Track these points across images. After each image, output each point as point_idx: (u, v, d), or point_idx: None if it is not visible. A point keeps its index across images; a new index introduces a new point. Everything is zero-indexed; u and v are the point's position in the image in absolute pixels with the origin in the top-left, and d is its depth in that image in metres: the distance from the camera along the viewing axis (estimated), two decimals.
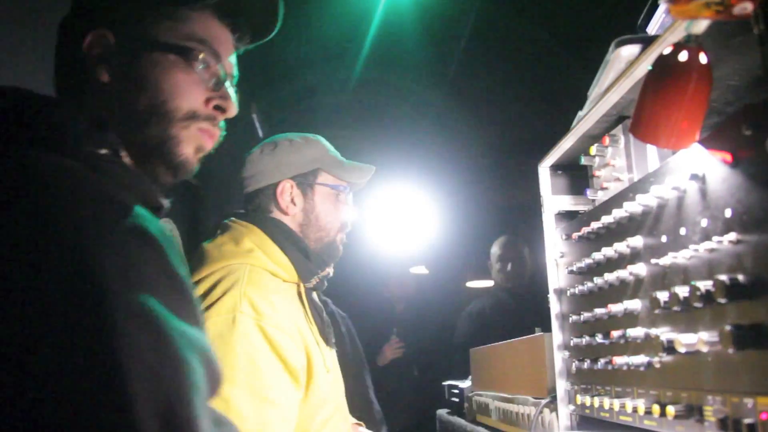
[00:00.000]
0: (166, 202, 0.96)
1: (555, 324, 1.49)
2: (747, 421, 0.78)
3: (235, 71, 1.08)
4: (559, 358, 1.47)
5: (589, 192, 1.39)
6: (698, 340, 0.86)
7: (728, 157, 0.83)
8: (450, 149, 4.85)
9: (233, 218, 1.70)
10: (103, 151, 0.86)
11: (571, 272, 1.39)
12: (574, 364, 1.38)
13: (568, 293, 1.41)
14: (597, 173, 1.37)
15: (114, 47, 0.97)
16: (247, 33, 1.12)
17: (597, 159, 1.36)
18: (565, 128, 1.45)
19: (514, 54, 3.68)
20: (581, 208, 1.56)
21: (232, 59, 1.07)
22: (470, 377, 2.97)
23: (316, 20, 3.19)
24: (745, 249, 0.80)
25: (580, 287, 1.32)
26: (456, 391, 3.19)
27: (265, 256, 1.60)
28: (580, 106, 1.39)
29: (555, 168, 1.60)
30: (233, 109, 1.03)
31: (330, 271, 1.78)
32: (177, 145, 0.97)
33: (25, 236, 0.65)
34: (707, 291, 0.85)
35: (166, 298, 0.68)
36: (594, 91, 1.32)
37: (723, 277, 0.81)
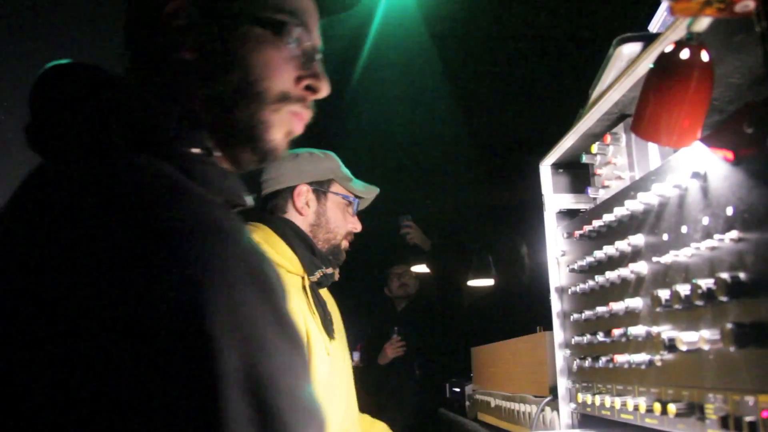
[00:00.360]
0: (250, 200, 0.89)
1: (556, 322, 1.49)
2: (748, 419, 0.78)
3: (321, 44, 0.96)
4: (561, 356, 1.47)
5: (590, 190, 1.39)
6: (699, 338, 0.86)
7: (730, 155, 0.83)
8: (450, 147, 4.84)
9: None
10: (197, 151, 0.79)
11: (572, 270, 1.39)
12: (575, 362, 1.38)
13: (570, 291, 1.41)
14: (598, 171, 1.37)
15: (198, 20, 0.85)
16: (333, 2, 1.04)
17: (598, 157, 1.36)
18: (566, 127, 1.45)
19: (516, 52, 3.68)
20: (582, 206, 1.56)
21: (318, 32, 0.96)
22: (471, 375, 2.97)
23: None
24: (747, 247, 0.80)
25: (582, 285, 1.32)
26: (457, 389, 3.20)
27: (271, 249, 1.75)
28: (582, 105, 1.39)
29: (556, 166, 1.60)
30: (326, 89, 0.92)
31: (336, 274, 1.95)
32: (267, 129, 0.88)
33: (124, 264, 0.58)
34: (708, 289, 0.85)
35: (275, 352, 0.60)
36: (595, 90, 1.32)
37: (724, 275, 0.81)
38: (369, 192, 2.04)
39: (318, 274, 1.84)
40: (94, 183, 0.65)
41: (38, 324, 0.57)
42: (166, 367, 0.54)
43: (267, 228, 1.80)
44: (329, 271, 1.91)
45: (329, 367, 1.72)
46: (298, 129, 0.92)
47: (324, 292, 1.97)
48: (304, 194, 1.91)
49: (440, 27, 3.35)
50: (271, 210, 1.90)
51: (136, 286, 0.56)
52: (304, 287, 1.79)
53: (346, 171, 2.03)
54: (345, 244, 1.98)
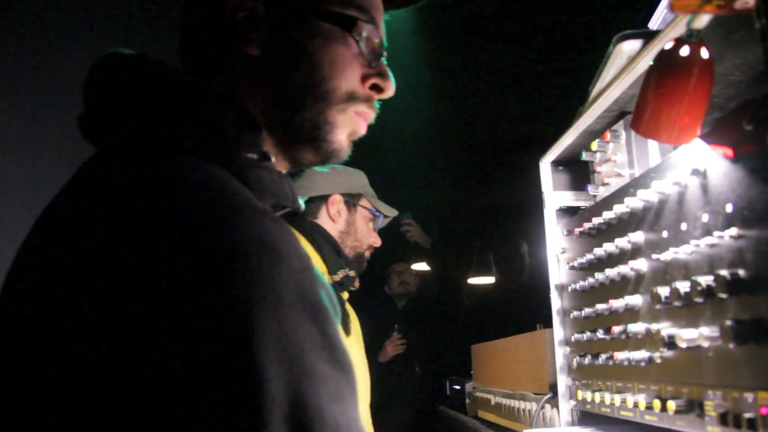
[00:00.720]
0: (302, 204, 0.87)
1: (556, 320, 1.49)
2: (747, 415, 0.78)
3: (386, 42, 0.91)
4: (560, 353, 1.47)
5: (590, 188, 1.39)
6: (699, 335, 0.86)
7: (729, 152, 0.83)
8: (450, 145, 4.84)
9: None
10: (253, 156, 0.77)
11: (572, 268, 1.39)
12: (575, 359, 1.38)
13: (569, 289, 1.41)
14: (598, 169, 1.37)
15: (264, 14, 0.82)
16: None
17: (598, 155, 1.36)
18: (566, 124, 1.45)
19: (517, 50, 3.67)
20: (582, 203, 1.56)
21: (384, 29, 0.91)
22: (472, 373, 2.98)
23: None
24: (746, 244, 0.80)
25: (582, 283, 1.32)
26: (457, 387, 3.20)
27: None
28: (582, 102, 1.39)
29: (556, 164, 1.60)
30: (392, 89, 0.89)
31: (356, 281, 2.08)
32: (332, 130, 0.85)
33: (168, 274, 0.56)
34: (708, 286, 0.85)
35: (323, 379, 0.58)
36: (595, 87, 1.32)
37: (724, 272, 0.81)
38: (391, 212, 2.23)
39: (340, 274, 1.96)
40: (141, 186, 0.63)
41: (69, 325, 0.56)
42: (211, 393, 0.53)
43: (292, 230, 1.84)
44: (352, 273, 2.03)
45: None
46: (362, 130, 0.90)
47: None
48: (337, 203, 2.10)
49: (440, 24, 3.34)
50: (302, 215, 1.97)
51: (179, 308, 0.54)
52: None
53: (372, 190, 2.24)
54: (367, 253, 2.17)
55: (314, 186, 2.09)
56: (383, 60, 0.89)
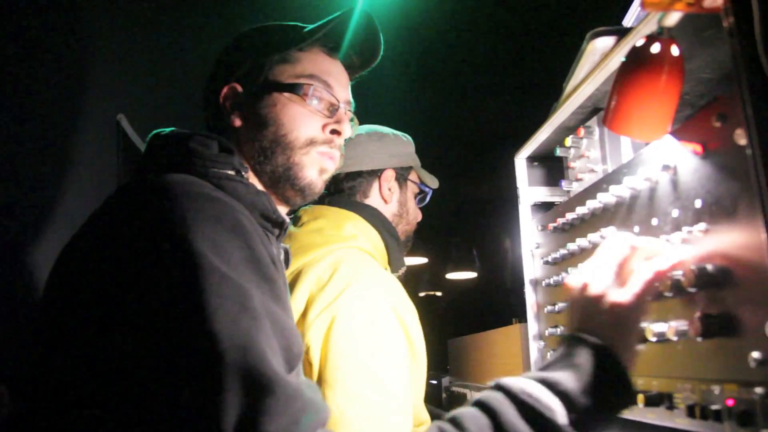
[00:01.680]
0: (287, 219, 1.10)
1: (530, 314, 1.50)
2: (714, 407, 0.80)
3: (350, 97, 1.23)
4: (535, 348, 1.48)
5: (564, 183, 1.40)
6: (668, 328, 0.87)
7: (699, 148, 0.85)
8: (427, 141, 4.84)
9: (317, 204, 1.62)
10: (229, 172, 0.99)
11: (546, 263, 1.40)
12: (549, 353, 1.39)
13: (544, 284, 1.42)
14: (572, 164, 1.38)
15: (242, 96, 1.14)
16: (356, 61, 1.29)
17: (572, 150, 1.38)
18: (541, 120, 1.46)
19: (490, 46, 3.69)
20: (557, 199, 1.57)
21: (346, 87, 1.23)
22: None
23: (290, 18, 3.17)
24: (715, 239, 0.81)
25: (555, 278, 1.33)
26: (434, 381, 3.21)
27: (368, 242, 1.56)
28: (556, 98, 1.40)
29: (531, 159, 1.61)
30: (347, 131, 1.17)
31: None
32: (300, 170, 1.12)
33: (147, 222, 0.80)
34: (677, 280, 0.86)
35: (251, 277, 0.80)
36: (569, 83, 1.33)
37: (692, 267, 0.83)
38: (435, 183, 1.87)
39: (402, 270, 1.69)
40: (132, 191, 0.88)
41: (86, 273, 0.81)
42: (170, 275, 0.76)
43: (359, 217, 1.59)
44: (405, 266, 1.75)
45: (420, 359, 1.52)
46: (329, 165, 1.16)
47: None
48: (389, 180, 1.70)
49: (415, 20, 3.34)
50: (349, 193, 1.67)
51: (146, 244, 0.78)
52: None
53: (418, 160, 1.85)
54: (413, 233, 1.82)
55: (365, 158, 1.70)
56: (341, 109, 1.18)
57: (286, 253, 1.22)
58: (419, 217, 1.81)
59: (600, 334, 0.84)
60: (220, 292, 0.74)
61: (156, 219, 0.80)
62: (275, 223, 1.06)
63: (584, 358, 0.83)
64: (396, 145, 1.75)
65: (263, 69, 1.15)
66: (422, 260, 6.45)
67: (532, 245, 1.51)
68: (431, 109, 4.39)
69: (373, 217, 1.61)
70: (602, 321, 0.86)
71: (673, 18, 0.85)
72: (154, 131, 1.07)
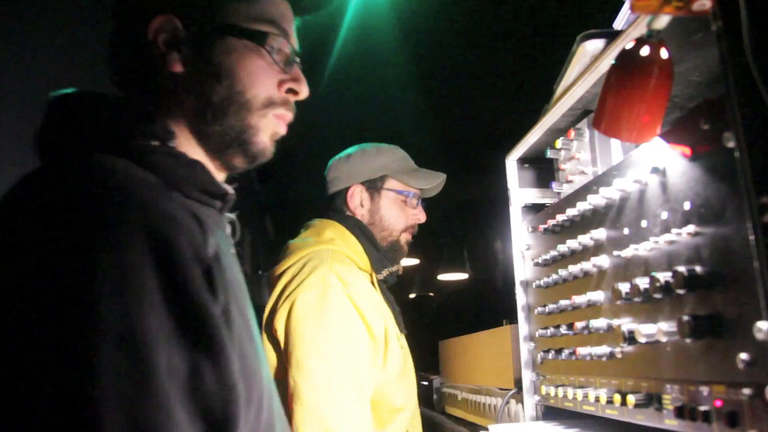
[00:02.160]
0: (230, 189, 0.95)
1: (521, 315, 1.51)
2: (702, 408, 0.80)
3: (298, 46, 1.02)
4: (525, 349, 1.48)
5: (554, 185, 1.40)
6: (657, 330, 0.88)
7: (687, 150, 0.85)
8: (420, 142, 4.85)
9: (315, 219, 1.92)
10: (154, 143, 0.85)
11: (536, 264, 1.40)
12: (539, 354, 1.39)
13: (534, 285, 1.43)
14: (562, 166, 1.38)
15: (183, 34, 0.91)
16: (306, 5, 1.10)
17: (562, 152, 1.38)
18: (532, 122, 1.47)
19: (482, 49, 3.69)
20: (547, 200, 1.58)
21: (295, 33, 1.02)
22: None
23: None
24: (703, 241, 0.82)
25: (546, 279, 1.34)
26: (425, 383, 3.21)
27: (345, 244, 1.81)
28: (547, 100, 1.40)
29: (522, 161, 1.62)
30: (306, 90, 1.00)
31: (399, 268, 1.98)
32: (256, 134, 0.95)
33: (41, 238, 0.65)
34: (666, 282, 0.86)
35: (164, 326, 0.65)
36: (560, 85, 1.33)
37: (681, 269, 0.83)
38: (431, 181, 1.99)
39: (385, 273, 1.89)
40: (37, 181, 0.73)
41: None
42: (54, 322, 0.61)
43: (337, 224, 1.86)
44: (394, 269, 1.95)
45: (402, 360, 1.75)
46: (282, 130, 0.99)
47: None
48: (357, 194, 1.91)
49: (408, 23, 3.35)
50: (333, 210, 1.93)
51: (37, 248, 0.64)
52: (372, 283, 1.82)
53: (405, 162, 1.99)
54: (405, 238, 1.97)
55: (335, 181, 1.95)
56: (297, 64, 0.99)
57: (233, 225, 1.07)
58: (408, 221, 1.94)
59: None
60: (115, 363, 0.59)
61: (41, 240, 0.65)
62: (216, 196, 0.91)
63: None
64: (363, 161, 1.95)
65: (213, 3, 0.94)
66: (414, 261, 6.46)
67: (522, 247, 1.52)
68: (423, 111, 4.40)
69: (353, 225, 1.85)
70: None
71: (662, 21, 0.86)
72: (52, 94, 0.88)
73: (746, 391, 0.74)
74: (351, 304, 1.61)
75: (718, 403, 0.78)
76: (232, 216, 1.06)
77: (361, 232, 1.87)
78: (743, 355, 0.73)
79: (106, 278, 0.62)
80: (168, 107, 0.92)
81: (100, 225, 0.65)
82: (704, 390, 0.81)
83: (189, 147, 0.93)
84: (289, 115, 0.99)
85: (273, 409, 0.88)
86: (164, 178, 0.80)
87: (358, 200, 1.92)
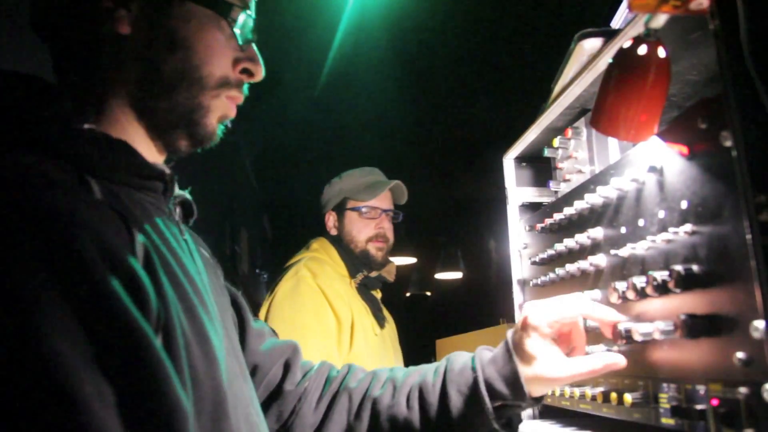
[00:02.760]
0: (166, 168, 0.85)
1: (518, 314, 1.50)
2: (699, 407, 0.80)
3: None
4: None
5: (552, 184, 1.40)
6: (654, 329, 0.88)
7: (685, 149, 0.85)
8: (415, 142, 4.85)
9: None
10: (63, 125, 0.73)
11: (534, 263, 1.40)
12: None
13: (531, 284, 1.43)
14: (560, 165, 1.38)
15: None
16: None
17: (560, 151, 1.38)
18: (529, 121, 1.47)
19: (478, 47, 3.69)
20: (545, 199, 1.58)
21: (253, 9, 0.91)
22: None
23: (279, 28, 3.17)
24: (700, 240, 0.82)
25: (543, 278, 1.33)
26: None
27: (326, 253, 2.37)
28: (544, 99, 1.40)
29: (519, 160, 1.62)
30: (261, 73, 0.90)
31: (389, 275, 2.47)
32: (206, 115, 0.85)
33: None
34: (663, 281, 0.86)
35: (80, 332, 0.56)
36: (557, 84, 1.33)
37: (678, 268, 0.83)
38: (378, 193, 2.41)
39: (359, 277, 2.35)
40: None
41: None
42: None
43: (323, 239, 2.44)
44: (373, 274, 2.39)
45: (377, 349, 2.26)
46: (232, 113, 0.90)
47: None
48: (330, 219, 2.47)
49: (405, 22, 3.35)
50: (324, 230, 2.50)
51: None
52: (351, 286, 2.34)
53: (362, 181, 2.46)
54: (373, 246, 2.39)
55: (321, 208, 2.52)
56: (253, 43, 0.89)
57: (185, 204, 0.97)
58: (371, 232, 2.39)
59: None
60: (38, 404, 0.52)
61: None
62: (149, 177, 0.81)
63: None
64: (330, 191, 2.50)
65: None
66: (411, 260, 6.46)
67: (519, 245, 1.52)
68: (420, 111, 4.40)
69: (333, 240, 2.43)
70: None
71: (660, 20, 0.86)
72: None
73: (743, 389, 0.74)
74: (319, 290, 2.13)
75: (715, 402, 0.78)
76: (184, 193, 0.96)
77: (339, 244, 2.40)
78: (740, 354, 0.73)
79: (10, 308, 0.53)
80: (105, 73, 0.81)
81: None
82: (701, 389, 0.81)
83: (124, 124, 0.83)
84: (240, 98, 0.90)
85: (237, 414, 0.80)
86: (79, 165, 0.71)
87: (331, 223, 2.46)
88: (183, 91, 0.82)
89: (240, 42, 0.87)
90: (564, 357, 1.00)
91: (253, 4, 0.91)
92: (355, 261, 2.37)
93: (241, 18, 0.86)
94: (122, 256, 0.63)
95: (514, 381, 1.00)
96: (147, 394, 0.59)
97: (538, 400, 1.05)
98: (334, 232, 2.45)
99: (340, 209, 2.45)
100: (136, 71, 0.81)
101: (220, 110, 0.87)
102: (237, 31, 0.85)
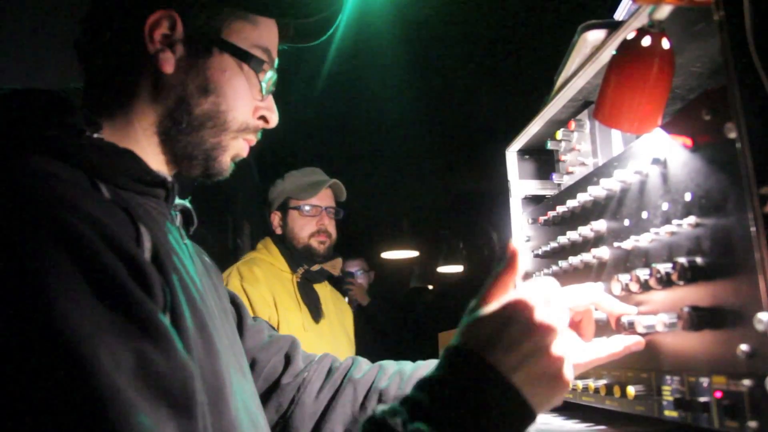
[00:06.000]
0: (168, 176, 0.92)
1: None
2: (702, 399, 0.80)
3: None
4: None
5: (554, 176, 1.40)
6: (658, 321, 0.88)
7: (689, 141, 0.85)
8: (419, 134, 4.84)
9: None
10: (75, 135, 0.80)
11: (537, 256, 1.40)
12: None
13: (534, 276, 1.42)
14: (563, 158, 1.38)
15: (180, 36, 0.89)
16: (298, 35, 1.09)
17: (563, 144, 1.37)
18: (532, 113, 1.46)
19: (481, 39, 3.68)
20: (547, 192, 1.57)
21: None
22: None
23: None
24: (704, 232, 0.81)
25: (546, 270, 1.33)
26: None
27: (268, 252, 2.63)
28: (547, 91, 1.40)
29: (522, 153, 1.61)
30: (275, 121, 1.00)
31: (333, 269, 2.69)
32: (222, 153, 0.95)
33: None
34: (667, 273, 0.86)
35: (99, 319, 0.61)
36: (560, 76, 1.33)
37: (682, 260, 0.83)
38: (315, 192, 2.59)
39: (300, 271, 2.57)
40: None
41: None
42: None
43: (269, 239, 2.66)
44: (314, 268, 2.60)
45: (309, 339, 2.40)
46: (245, 153, 1.00)
47: (329, 293, 2.79)
48: (275, 219, 2.67)
49: (407, 15, 3.34)
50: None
51: None
52: (291, 280, 2.56)
53: (303, 180, 2.65)
54: (316, 240, 2.59)
55: (267, 212, 2.73)
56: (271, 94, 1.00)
57: (186, 212, 1.04)
58: (312, 228, 2.59)
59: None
60: (61, 371, 0.56)
61: None
62: (152, 183, 0.87)
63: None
64: (273, 193, 2.70)
65: (219, 14, 0.91)
66: (413, 254, 6.46)
67: (522, 238, 1.52)
68: (422, 103, 4.39)
69: (277, 239, 2.65)
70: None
71: (664, 11, 0.85)
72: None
73: (746, 382, 0.73)
74: (244, 293, 2.35)
75: (718, 395, 0.78)
76: (184, 202, 1.03)
77: (282, 243, 2.61)
78: (743, 347, 0.73)
79: (26, 285, 0.58)
80: (138, 100, 0.89)
81: (5, 232, 0.61)
82: (704, 381, 0.81)
83: (143, 143, 0.90)
84: (254, 141, 1.00)
85: (237, 402, 0.85)
86: (88, 170, 0.77)
87: (276, 223, 2.66)
88: (208, 130, 0.92)
89: (264, 93, 0.97)
90: (581, 342, 1.00)
91: (276, 62, 1.01)
92: (297, 257, 2.58)
93: (270, 74, 0.97)
94: (127, 247, 0.68)
95: None
96: (159, 356, 0.63)
97: None
98: (279, 231, 2.64)
99: (284, 209, 2.65)
100: (170, 105, 0.90)
101: (235, 150, 0.97)
102: (264, 84, 0.96)
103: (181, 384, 0.64)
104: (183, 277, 0.81)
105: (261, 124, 0.99)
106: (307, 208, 2.61)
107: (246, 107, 0.95)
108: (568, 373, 0.77)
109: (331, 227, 2.66)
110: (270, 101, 0.99)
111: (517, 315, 0.77)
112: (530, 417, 0.73)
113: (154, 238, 0.77)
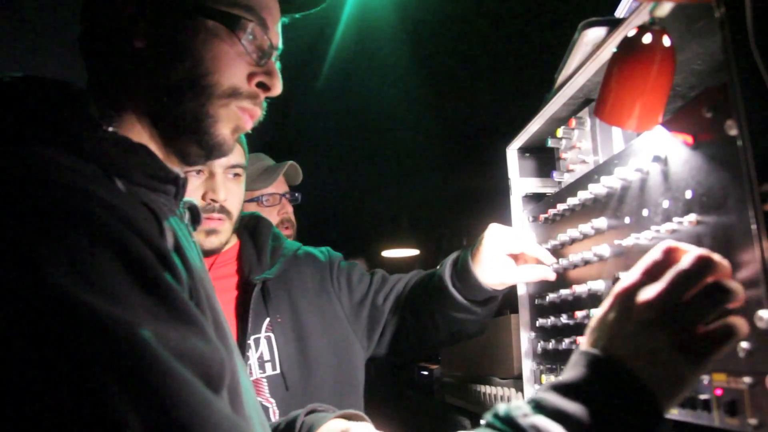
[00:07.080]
0: (180, 173, 0.90)
1: (522, 305, 1.51)
2: (703, 397, 0.80)
3: (281, 43, 0.96)
4: (526, 338, 1.48)
5: (555, 174, 1.40)
6: None
7: (689, 139, 0.85)
8: (422, 132, 4.84)
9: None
10: (90, 128, 0.79)
11: None
12: (539, 344, 1.39)
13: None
14: (563, 155, 1.38)
15: (151, 7, 0.86)
16: (298, 1, 1.04)
17: (563, 141, 1.37)
18: (533, 111, 1.46)
19: (482, 37, 3.68)
20: (548, 190, 1.57)
21: (279, 29, 0.96)
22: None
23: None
24: (704, 230, 0.81)
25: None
26: (425, 372, 3.22)
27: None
28: (548, 89, 1.40)
29: (522, 150, 1.61)
30: (278, 87, 0.93)
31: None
32: (213, 124, 0.88)
33: None
34: None
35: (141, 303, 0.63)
36: (561, 74, 1.32)
37: None
38: (267, 180, 2.38)
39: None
40: None
41: None
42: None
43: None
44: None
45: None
46: (247, 125, 0.93)
47: None
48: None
49: (408, 12, 3.33)
50: None
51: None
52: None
53: (254, 169, 2.40)
54: (288, 233, 2.40)
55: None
56: (274, 59, 0.93)
57: (193, 210, 1.04)
58: (275, 220, 2.36)
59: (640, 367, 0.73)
60: (111, 348, 0.58)
61: None
62: (165, 180, 0.87)
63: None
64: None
65: None
66: (413, 252, 6.46)
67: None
68: (423, 102, 4.39)
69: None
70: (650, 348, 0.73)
71: (664, 9, 0.85)
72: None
73: (747, 379, 0.74)
74: None
75: (719, 392, 0.78)
76: (191, 200, 1.02)
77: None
78: (744, 344, 0.73)
79: (70, 272, 0.59)
80: (126, 85, 0.87)
81: (38, 222, 0.62)
82: (705, 378, 0.81)
83: (140, 130, 0.88)
84: (256, 111, 0.93)
85: (248, 396, 0.87)
86: (103, 165, 0.76)
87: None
88: (190, 99, 0.86)
89: (255, 56, 0.90)
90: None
91: (278, 26, 0.95)
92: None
93: (256, 33, 0.89)
94: (154, 238, 0.70)
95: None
96: (196, 337, 0.66)
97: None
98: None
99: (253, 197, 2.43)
100: (149, 81, 0.86)
101: (232, 121, 0.90)
102: (246, 43, 0.88)
103: (219, 367, 0.68)
104: (196, 272, 0.82)
105: (260, 91, 0.92)
106: (264, 198, 2.37)
107: (232, 71, 0.88)
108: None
109: (292, 215, 2.47)
110: (269, 66, 0.92)
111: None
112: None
113: (173, 234, 0.79)
